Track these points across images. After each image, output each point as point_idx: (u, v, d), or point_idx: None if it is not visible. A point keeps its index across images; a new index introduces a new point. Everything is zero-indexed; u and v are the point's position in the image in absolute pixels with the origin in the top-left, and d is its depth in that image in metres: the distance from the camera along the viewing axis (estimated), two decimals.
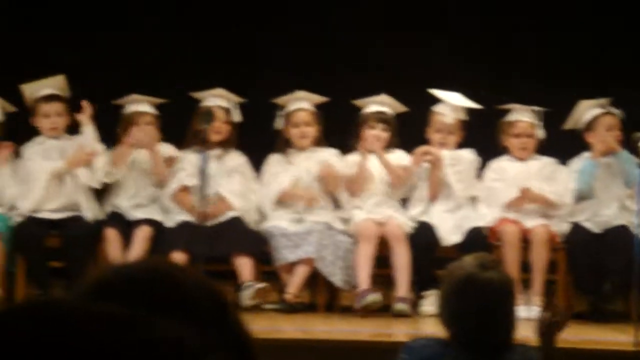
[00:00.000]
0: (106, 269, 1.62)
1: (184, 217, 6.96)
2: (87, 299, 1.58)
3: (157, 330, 0.91)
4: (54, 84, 7.17)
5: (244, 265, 6.83)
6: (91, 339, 0.88)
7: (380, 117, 7.29)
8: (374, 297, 6.76)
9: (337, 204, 7.26)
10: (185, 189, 7.14)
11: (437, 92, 7.28)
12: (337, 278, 6.91)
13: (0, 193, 7.09)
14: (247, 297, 6.63)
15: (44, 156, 7.16)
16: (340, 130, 7.34)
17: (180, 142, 7.31)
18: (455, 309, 2.73)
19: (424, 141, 7.32)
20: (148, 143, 7.14)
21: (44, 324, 0.90)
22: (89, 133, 7.11)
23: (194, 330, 1.00)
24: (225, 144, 7.21)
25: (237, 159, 7.27)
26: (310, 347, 5.64)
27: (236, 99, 7.30)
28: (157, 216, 7.11)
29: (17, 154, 7.19)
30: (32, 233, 6.91)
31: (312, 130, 7.28)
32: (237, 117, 7.25)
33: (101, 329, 0.89)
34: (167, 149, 7.30)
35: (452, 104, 7.22)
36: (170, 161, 7.23)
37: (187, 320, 1.05)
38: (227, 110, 7.17)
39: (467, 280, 2.76)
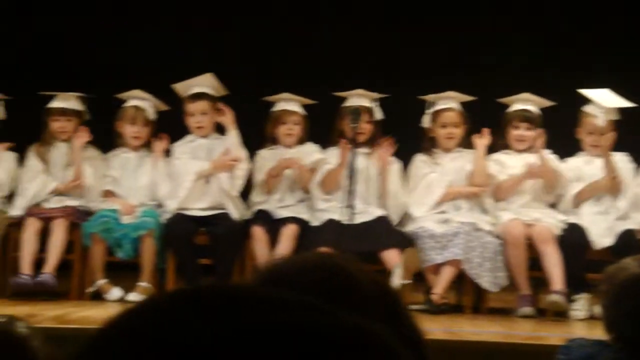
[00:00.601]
0: (278, 261, 1.63)
1: (330, 215, 6.97)
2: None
3: (353, 320, 0.89)
4: (203, 82, 7.25)
5: (392, 255, 6.78)
6: (285, 323, 0.86)
7: (524, 116, 7.17)
8: (528, 310, 6.72)
9: (483, 207, 7.18)
10: None
11: (587, 92, 7.09)
12: (484, 280, 6.82)
13: (153, 188, 7.24)
14: (397, 278, 6.58)
15: (192, 155, 7.26)
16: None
17: (323, 141, 7.34)
18: (622, 310, 2.66)
19: (576, 140, 7.19)
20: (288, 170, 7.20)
21: (224, 306, 0.89)
22: (232, 137, 7.17)
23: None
24: (370, 143, 7.20)
25: None
26: (456, 349, 5.58)
27: (377, 96, 7.27)
28: (303, 215, 7.14)
29: (168, 152, 7.32)
30: (181, 230, 7.02)
31: (459, 132, 7.20)
32: (379, 115, 7.22)
33: (300, 313, 0.88)
34: (312, 149, 7.33)
35: (603, 105, 7.03)
36: (316, 165, 7.26)
37: (360, 314, 1.02)
38: (369, 110, 7.15)
39: (634, 281, 2.68)
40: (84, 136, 7.23)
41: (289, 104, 7.32)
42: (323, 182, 7.13)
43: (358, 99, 7.20)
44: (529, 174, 6.99)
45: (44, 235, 7.05)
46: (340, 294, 1.48)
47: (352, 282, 1.53)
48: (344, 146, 6.87)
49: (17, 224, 7.12)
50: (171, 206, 7.13)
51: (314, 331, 0.86)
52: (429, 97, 7.25)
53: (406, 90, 7.57)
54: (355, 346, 0.87)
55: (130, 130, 7.26)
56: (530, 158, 7.08)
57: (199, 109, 7.21)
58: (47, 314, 5.68)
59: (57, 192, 7.22)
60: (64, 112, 7.29)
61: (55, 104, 7.29)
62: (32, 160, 7.29)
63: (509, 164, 7.16)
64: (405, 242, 6.93)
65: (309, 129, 7.35)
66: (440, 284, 6.79)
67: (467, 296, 6.97)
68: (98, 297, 6.93)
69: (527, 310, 6.72)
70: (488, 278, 6.81)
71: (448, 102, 7.21)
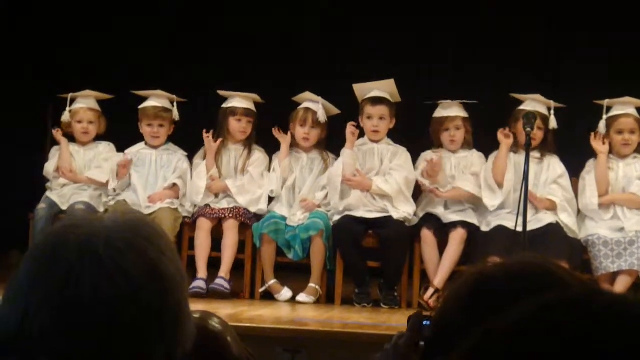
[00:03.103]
0: (485, 264, 1.62)
1: (500, 221, 6.89)
2: (465, 292, 1.58)
3: None
4: (384, 87, 7.24)
5: None
6: None
7: None
8: None
9: None
10: None
11: None
12: None
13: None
14: None
15: (361, 159, 7.27)
16: None
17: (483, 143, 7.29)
18: None
19: None
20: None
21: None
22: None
23: None
24: (541, 149, 7.10)
25: (556, 165, 7.13)
26: None
27: (554, 105, 7.14)
28: (472, 219, 7.09)
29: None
30: (350, 231, 7.02)
31: (635, 138, 7.02)
32: (553, 124, 7.10)
33: None
34: (475, 158, 7.30)
35: None
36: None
37: None
38: (544, 116, 7.04)
39: None
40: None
41: (449, 109, 7.27)
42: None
43: (535, 104, 7.11)
44: None
45: (214, 234, 7.20)
46: None
47: (563, 287, 1.51)
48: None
49: (189, 223, 7.30)
50: (336, 209, 7.17)
51: None
52: (605, 102, 7.09)
53: (577, 95, 7.44)
54: None
55: (300, 132, 7.35)
56: None
57: (378, 113, 7.22)
58: (222, 312, 5.78)
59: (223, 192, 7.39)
60: (247, 114, 7.44)
61: (238, 104, 7.43)
62: (200, 162, 7.45)
63: None
64: (577, 251, 6.81)
65: (473, 133, 7.30)
66: None
67: None
68: (269, 296, 7.03)
69: None
70: None
71: (625, 108, 7.04)
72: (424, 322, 1.96)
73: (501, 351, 0.93)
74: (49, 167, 7.58)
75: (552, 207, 6.98)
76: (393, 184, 7.12)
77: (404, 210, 7.09)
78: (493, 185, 7.04)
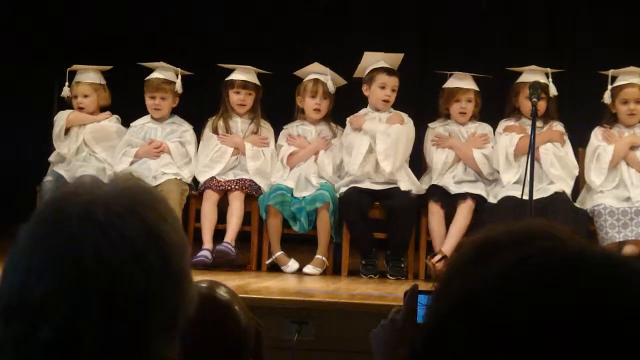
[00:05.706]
0: (492, 228, 1.61)
1: (508, 192, 6.88)
2: (470, 255, 1.57)
3: None
4: (391, 60, 7.22)
5: None
6: None
7: None
8: None
9: None
10: None
11: None
12: None
13: (333, 161, 7.30)
14: None
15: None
16: None
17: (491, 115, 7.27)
18: None
19: None
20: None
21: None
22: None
23: None
24: (545, 118, 7.08)
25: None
26: None
27: (551, 71, 7.11)
28: (479, 191, 7.07)
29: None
30: (356, 203, 7.02)
31: None
32: (552, 90, 7.07)
33: None
34: (486, 131, 7.29)
35: None
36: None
37: None
38: (544, 85, 7.00)
39: None
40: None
41: (463, 81, 7.26)
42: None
43: (533, 74, 7.08)
44: None
45: (221, 207, 7.20)
46: None
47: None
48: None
49: (196, 196, 7.30)
50: (351, 170, 7.13)
51: None
52: (610, 72, 7.04)
53: (583, 64, 7.41)
54: None
55: (311, 103, 7.33)
56: None
57: (392, 83, 7.18)
58: (228, 284, 5.77)
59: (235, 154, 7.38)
60: (245, 86, 7.41)
61: (236, 76, 7.42)
62: (208, 134, 7.45)
63: None
64: (583, 221, 6.79)
65: (482, 105, 7.29)
66: None
67: None
68: (275, 268, 7.04)
69: None
70: None
71: (629, 78, 7.01)
72: (420, 296, 1.96)
73: (483, 308, 0.95)
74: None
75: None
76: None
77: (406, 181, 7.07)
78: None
